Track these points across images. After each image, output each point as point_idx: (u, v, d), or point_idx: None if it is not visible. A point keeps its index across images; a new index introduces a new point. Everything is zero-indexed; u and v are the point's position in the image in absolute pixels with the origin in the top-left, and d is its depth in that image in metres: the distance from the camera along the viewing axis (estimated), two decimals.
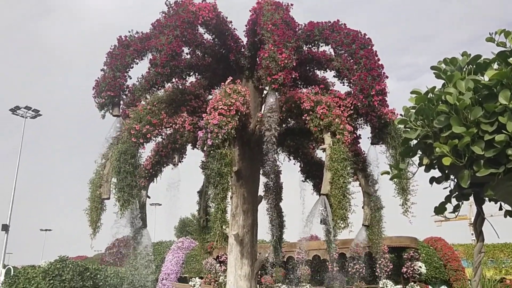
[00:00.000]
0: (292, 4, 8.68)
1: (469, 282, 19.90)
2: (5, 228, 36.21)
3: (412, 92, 2.63)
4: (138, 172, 8.48)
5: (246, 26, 9.43)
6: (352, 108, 8.48)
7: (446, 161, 2.28)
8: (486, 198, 2.51)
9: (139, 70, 9.09)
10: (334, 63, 9.14)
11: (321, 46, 9.36)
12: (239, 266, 9.03)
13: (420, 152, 2.65)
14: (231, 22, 9.44)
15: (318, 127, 7.99)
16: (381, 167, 8.97)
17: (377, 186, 9.22)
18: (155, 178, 10.19)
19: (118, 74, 8.40)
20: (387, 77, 8.07)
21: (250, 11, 9.12)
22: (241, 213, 9.23)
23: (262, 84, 8.33)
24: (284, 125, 9.76)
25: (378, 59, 8.12)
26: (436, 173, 2.67)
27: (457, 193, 2.60)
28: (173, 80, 9.38)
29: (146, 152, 9.23)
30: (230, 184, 7.59)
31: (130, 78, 8.81)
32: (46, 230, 74.71)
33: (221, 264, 25.04)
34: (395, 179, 7.94)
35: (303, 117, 8.24)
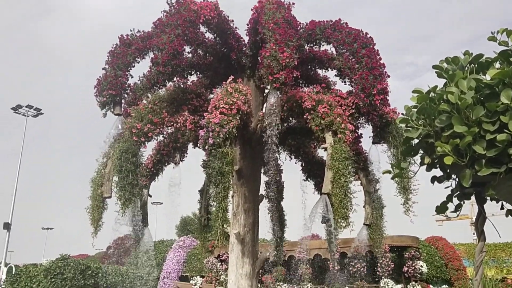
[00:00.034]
0: (293, 3, 8.67)
1: (470, 281, 19.89)
2: (7, 226, 36.28)
3: (413, 91, 2.62)
4: (140, 170, 8.49)
5: (247, 25, 9.43)
6: (353, 107, 8.47)
7: (448, 161, 2.28)
8: (488, 198, 2.51)
9: (141, 69, 9.11)
10: (335, 62, 9.13)
11: (323, 45, 9.36)
12: (240, 265, 9.03)
13: (422, 151, 2.64)
14: (232, 21, 9.44)
15: (320, 126, 7.98)
16: (383, 166, 8.97)
17: (378, 185, 9.22)
18: (156, 177, 10.20)
19: (119, 72, 8.41)
20: (388, 76, 8.07)
21: (251, 10, 9.12)
22: (242, 212, 9.24)
23: (263, 83, 8.33)
24: (285, 124, 9.75)
25: (380, 58, 8.11)
26: (437, 172, 2.66)
27: (458, 192, 2.59)
28: (175, 79, 9.38)
29: (148, 151, 9.25)
30: (231, 183, 7.59)
31: (132, 77, 8.82)
32: (47, 228, 74.91)
33: (222, 263, 25.08)
34: (397, 178, 7.98)
35: (305, 116, 8.24)
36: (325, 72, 10.10)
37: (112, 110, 8.50)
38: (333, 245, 9.88)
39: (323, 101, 8.09)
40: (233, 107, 7.47)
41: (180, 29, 8.08)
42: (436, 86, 2.57)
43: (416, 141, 2.63)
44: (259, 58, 8.75)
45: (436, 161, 2.55)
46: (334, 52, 9.26)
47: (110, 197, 8.24)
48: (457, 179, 2.55)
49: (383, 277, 20.55)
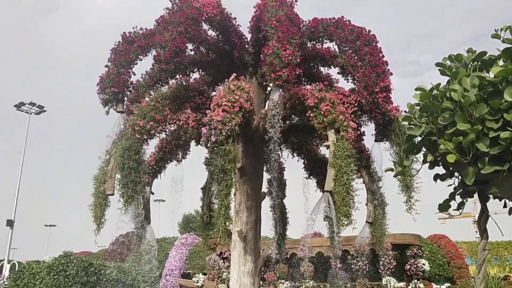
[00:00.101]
0: (296, 1, 8.65)
1: (472, 279, 19.87)
2: (10, 223, 36.41)
3: (416, 89, 2.62)
4: (142, 168, 8.49)
5: (250, 22, 9.41)
6: (356, 105, 8.46)
7: (451, 158, 2.28)
8: (491, 196, 2.50)
9: (143, 66, 9.11)
10: (338, 59, 9.11)
11: (326, 43, 9.34)
12: (243, 262, 9.05)
13: (424, 149, 2.64)
14: (235, 18, 9.43)
15: (322, 124, 7.97)
16: (385, 164, 8.96)
17: (380, 183, 9.20)
18: (159, 175, 10.20)
19: (122, 70, 8.41)
20: (391, 74, 8.04)
21: (254, 7, 9.10)
22: (245, 209, 9.24)
23: (266, 80, 8.31)
24: (287, 122, 9.74)
25: (383, 56, 8.09)
26: (440, 170, 2.66)
27: (461, 190, 2.59)
28: (177, 76, 9.38)
29: (150, 148, 9.25)
30: (233, 180, 7.59)
31: (134, 75, 8.82)
32: (50, 225, 75.19)
33: (225, 260, 25.14)
34: (399, 176, 7.97)
35: (307, 114, 8.22)
36: (327, 69, 10.09)
37: (114, 107, 8.51)
38: (335, 243, 9.88)
39: (325, 99, 8.08)
40: (236, 104, 7.47)
41: (182, 26, 8.07)
42: (439, 84, 2.56)
43: (419, 139, 2.62)
44: (261, 55, 8.73)
45: (439, 159, 2.54)
46: (337, 50, 9.24)
47: (112, 194, 8.25)
48: (460, 177, 2.54)
49: (385, 275, 20.56)
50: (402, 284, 20.48)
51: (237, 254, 9.10)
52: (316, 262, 23.21)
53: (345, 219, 7.20)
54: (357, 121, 8.51)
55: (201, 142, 7.78)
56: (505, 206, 2.55)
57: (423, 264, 20.97)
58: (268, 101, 8.69)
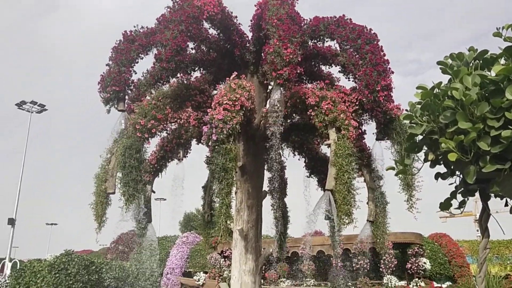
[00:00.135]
0: None
1: (473, 278, 19.86)
2: (11, 222, 36.50)
3: (418, 87, 2.61)
4: (143, 167, 8.50)
5: (251, 21, 9.40)
6: (357, 103, 8.45)
7: (452, 157, 2.27)
8: (492, 194, 2.50)
9: (144, 65, 9.11)
10: (339, 58, 9.10)
11: (327, 41, 9.33)
12: (244, 261, 9.05)
13: (426, 148, 2.64)
14: (236, 17, 9.42)
15: (323, 123, 7.97)
16: (386, 162, 8.95)
17: (382, 181, 9.20)
18: (160, 173, 10.22)
19: (123, 69, 8.41)
20: (392, 72, 8.04)
21: (255, 5, 9.09)
22: (246, 208, 9.24)
23: (267, 79, 8.31)
24: (288, 121, 9.74)
25: (384, 54, 8.08)
26: (441, 169, 2.65)
27: (462, 189, 2.59)
28: (178, 75, 9.38)
29: (151, 147, 9.26)
30: (234, 179, 7.59)
31: (135, 73, 8.82)
32: (51, 224, 75.34)
33: (226, 259, 25.17)
34: (400, 175, 7.96)
35: (308, 113, 8.22)
36: (328, 68, 10.07)
37: (115, 106, 8.51)
38: (336, 242, 9.88)
39: (326, 98, 8.08)
40: (237, 103, 7.46)
41: (183, 25, 8.06)
42: (440, 82, 2.56)
43: (420, 137, 2.62)
44: (262, 54, 8.73)
45: (440, 157, 2.54)
46: (338, 48, 9.24)
47: (113, 193, 8.26)
48: (461, 176, 2.54)
49: (386, 273, 20.56)
50: (403, 282, 20.47)
51: (238, 253, 9.11)
52: (317, 261, 23.22)
53: (346, 217, 7.20)
54: (358, 120, 8.50)
55: (202, 141, 7.80)
56: (506, 204, 2.55)
57: (424, 262, 20.95)
58: (269, 100, 8.69)
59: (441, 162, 2.58)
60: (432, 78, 2.67)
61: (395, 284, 20.05)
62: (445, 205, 2.65)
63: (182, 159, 10.33)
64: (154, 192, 10.16)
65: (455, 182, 2.61)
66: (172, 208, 10.34)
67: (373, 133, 8.98)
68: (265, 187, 10.21)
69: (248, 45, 9.79)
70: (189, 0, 8.39)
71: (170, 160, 10.24)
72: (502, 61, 2.42)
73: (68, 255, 22.20)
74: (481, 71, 2.42)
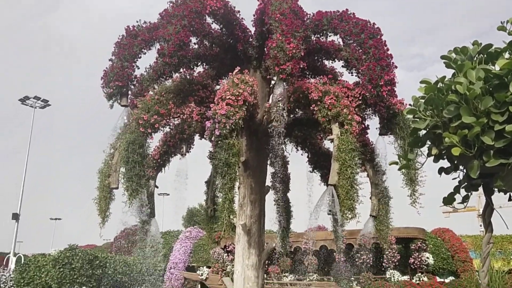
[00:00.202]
0: None
1: (476, 273, 19.86)
2: (16, 217, 36.69)
3: (421, 82, 2.61)
4: (146, 162, 8.52)
5: (254, 15, 9.37)
6: (360, 98, 8.43)
7: (456, 151, 2.27)
8: (496, 189, 2.50)
9: (147, 60, 9.10)
10: (342, 53, 9.06)
11: (330, 36, 9.29)
12: (247, 255, 9.08)
13: (429, 142, 2.63)
14: (239, 11, 9.39)
15: (326, 118, 7.95)
16: (389, 157, 8.93)
17: (385, 176, 9.19)
18: (163, 168, 10.24)
19: (126, 64, 8.41)
20: (396, 67, 8.00)
21: (258, 0, 9.06)
22: (249, 203, 9.26)
23: (270, 74, 8.29)
24: (291, 116, 9.72)
25: (387, 49, 8.04)
26: (445, 163, 2.65)
27: (466, 183, 2.58)
28: (181, 70, 9.37)
29: (154, 142, 9.27)
30: (237, 174, 7.60)
31: (138, 68, 8.81)
32: (55, 219, 75.69)
33: (229, 254, 25.24)
34: (403, 170, 7.95)
35: (311, 108, 8.21)
36: (332, 63, 10.04)
37: (119, 101, 8.52)
38: (339, 237, 9.89)
39: (329, 92, 8.06)
40: (240, 98, 7.46)
41: (186, 20, 8.05)
42: (444, 77, 2.55)
43: (424, 132, 2.62)
44: (265, 49, 8.71)
45: (443, 152, 2.54)
46: (341, 43, 9.19)
47: (117, 188, 8.29)
48: (464, 170, 2.54)
49: (389, 268, 20.59)
50: (406, 277, 20.49)
51: (241, 248, 9.14)
52: (320, 256, 23.26)
53: (349, 212, 7.21)
54: (361, 115, 8.47)
55: (205, 136, 7.79)
56: (510, 199, 2.54)
57: (427, 257, 20.97)
58: (272, 95, 8.68)
59: (445, 156, 2.58)
60: (435, 73, 2.66)
61: (398, 278, 20.08)
62: (448, 200, 2.65)
63: (185, 154, 10.34)
64: (157, 187, 10.18)
65: (458, 176, 2.61)
66: (176, 203, 10.37)
67: (376, 128, 8.96)
68: (268, 182, 10.22)
69: (251, 40, 9.76)
70: None
71: (173, 155, 10.25)
72: (507, 55, 2.41)
73: (72, 249, 22.34)
74: (485, 65, 2.41)
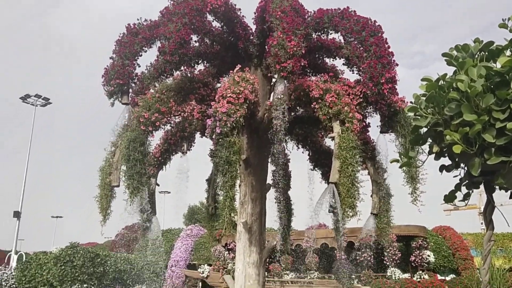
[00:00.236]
0: None
1: (477, 271, 19.88)
2: (17, 215, 36.75)
3: (422, 79, 2.60)
4: (147, 160, 8.53)
5: (255, 13, 9.36)
6: (361, 96, 8.42)
7: (457, 149, 2.27)
8: (497, 187, 2.49)
9: (148, 58, 9.10)
10: (343, 50, 9.05)
11: (331, 34, 9.27)
12: (248, 253, 9.09)
13: (430, 140, 2.63)
14: (239, 9, 9.38)
15: (327, 115, 7.95)
16: (390, 155, 8.93)
17: (386, 174, 9.19)
18: (164, 166, 10.24)
19: (127, 62, 8.40)
20: (397, 64, 7.99)
21: None
22: (250, 201, 9.27)
23: (271, 72, 8.29)
24: (292, 113, 9.72)
25: (388, 47, 8.03)
26: (446, 161, 2.65)
27: (467, 181, 2.58)
28: (182, 68, 9.37)
29: (155, 140, 9.27)
30: (238, 172, 7.60)
31: (139, 66, 8.81)
32: (57, 217, 75.76)
33: (230, 252, 25.26)
34: (404, 168, 7.94)
35: (312, 105, 8.20)
36: (333, 61, 10.03)
37: (119, 99, 8.52)
38: (340, 235, 9.89)
39: (330, 90, 8.05)
40: (240, 96, 7.46)
41: (187, 17, 8.04)
42: (445, 74, 2.54)
43: (425, 129, 2.61)
44: (266, 46, 8.71)
45: (444, 149, 2.53)
46: (342, 41, 9.18)
47: (118, 186, 8.30)
48: (465, 168, 2.53)
49: (390, 266, 20.60)
50: (407, 275, 20.50)
51: (242, 245, 9.15)
52: (321, 254, 23.27)
53: (350, 210, 7.21)
54: (362, 113, 8.47)
55: (206, 134, 7.79)
56: (511, 197, 2.54)
57: (428, 255, 20.96)
58: (273, 93, 8.67)
59: (446, 154, 2.58)
60: (437, 71, 2.66)
61: (398, 276, 20.09)
62: (449, 198, 2.64)
63: (186, 152, 10.35)
64: (158, 185, 10.19)
65: (459, 174, 2.61)
66: (176, 201, 10.37)
67: (377, 126, 8.96)
68: (269, 180, 10.22)
69: (251, 37, 9.75)
70: None
71: (174, 153, 10.25)
72: (508, 52, 2.41)
73: (74, 247, 22.40)
74: (486, 62, 2.41)
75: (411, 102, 2.69)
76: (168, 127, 9.55)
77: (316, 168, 10.80)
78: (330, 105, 7.89)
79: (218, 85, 9.75)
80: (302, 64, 7.68)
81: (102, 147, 8.88)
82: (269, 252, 9.74)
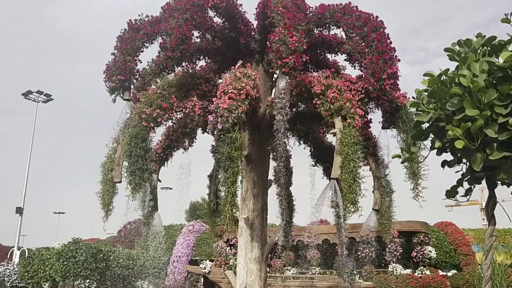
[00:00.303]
0: None
1: (479, 266, 19.88)
2: (19, 210, 36.88)
3: (425, 75, 2.59)
4: (149, 156, 8.53)
5: (256, 9, 9.34)
6: (363, 92, 8.40)
7: (459, 144, 2.26)
8: (499, 182, 2.49)
9: (149, 54, 9.10)
10: (345, 46, 9.03)
11: (332, 29, 9.25)
12: (249, 249, 9.11)
13: (432, 136, 2.62)
14: (241, 5, 9.36)
15: (329, 111, 7.94)
16: (392, 151, 8.92)
17: (387, 170, 9.18)
18: (165, 162, 10.25)
19: (128, 58, 8.40)
20: (399, 60, 7.97)
21: None
22: (251, 197, 9.28)
23: (272, 67, 8.28)
24: (294, 109, 9.71)
25: (390, 42, 8.00)
26: (448, 156, 2.64)
27: (469, 176, 2.58)
28: (183, 64, 9.36)
29: (157, 136, 9.28)
30: (240, 168, 7.61)
31: (141, 62, 8.81)
32: (59, 213, 75.97)
33: (231, 247, 25.33)
34: (406, 163, 7.93)
35: (314, 101, 8.19)
36: (334, 56, 10.01)
37: (121, 95, 8.53)
38: (341, 230, 9.90)
39: (332, 86, 8.04)
40: (242, 92, 7.45)
41: (188, 13, 8.02)
42: (447, 69, 2.54)
43: (427, 125, 2.61)
44: (268, 42, 8.68)
45: (446, 145, 2.53)
46: (344, 36, 9.15)
47: (120, 181, 8.31)
48: (468, 163, 2.53)
49: (391, 262, 20.62)
50: (408, 271, 20.53)
51: (244, 241, 9.17)
52: (322, 249, 23.30)
53: (351, 206, 7.21)
54: (364, 108, 8.46)
55: (207, 130, 7.80)
56: None
57: (430, 251, 20.97)
58: (274, 89, 8.66)
59: (448, 149, 2.57)
60: (439, 67, 2.65)
61: (400, 272, 20.12)
62: (451, 193, 2.64)
63: (188, 148, 10.35)
64: (160, 181, 10.20)
65: (461, 169, 2.61)
66: (178, 196, 10.38)
67: (379, 122, 8.94)
68: (271, 176, 10.22)
69: (253, 33, 9.73)
70: None
71: (175, 149, 10.26)
72: (510, 47, 2.40)
73: (76, 243, 22.46)
74: (489, 57, 2.40)
75: (413, 98, 2.68)
76: (169, 123, 9.55)
77: (317, 164, 10.80)
78: (332, 101, 7.88)
79: (220, 81, 9.74)
80: (304, 59, 7.67)
81: (104, 143, 8.90)
82: (270, 247, 9.75)
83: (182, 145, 10.22)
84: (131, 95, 8.69)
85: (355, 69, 9.12)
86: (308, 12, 8.74)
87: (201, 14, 8.34)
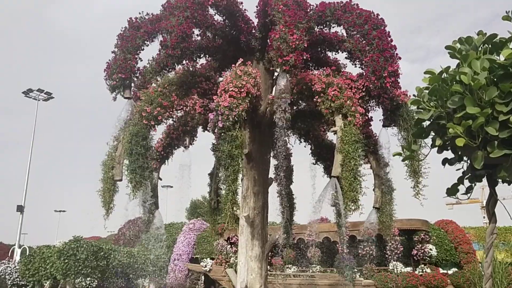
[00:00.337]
0: None
1: (480, 264, 19.89)
2: (20, 209, 36.93)
3: (425, 72, 2.59)
4: (150, 154, 8.53)
5: (257, 7, 9.33)
6: (364, 90, 8.39)
7: (460, 142, 2.26)
8: (500, 180, 2.49)
9: (150, 52, 9.09)
10: (346, 44, 9.02)
11: (333, 27, 9.24)
12: (250, 247, 9.12)
13: (433, 133, 2.62)
14: (241, 3, 9.34)
15: (329, 109, 7.94)
16: (393, 149, 8.92)
17: (388, 168, 9.18)
18: (166, 160, 10.26)
19: (129, 56, 8.39)
20: (399, 58, 7.96)
21: None
22: (252, 195, 9.28)
23: (273, 65, 8.27)
24: (295, 107, 9.71)
25: (391, 40, 7.99)
26: (449, 154, 2.64)
27: (470, 174, 2.57)
28: (184, 62, 9.35)
29: (157, 134, 9.29)
30: (240, 166, 7.60)
31: (141, 60, 8.80)
32: (60, 211, 76.03)
33: (232, 245, 25.34)
34: (407, 162, 7.93)
35: (314, 99, 8.19)
36: (335, 54, 9.99)
37: (122, 93, 8.52)
38: (342, 228, 9.91)
39: (333, 84, 8.03)
40: (243, 90, 7.44)
41: (189, 11, 8.01)
42: (448, 67, 2.53)
43: (428, 122, 2.61)
44: (268, 40, 8.67)
45: (447, 143, 2.53)
46: (345, 34, 9.15)
47: (121, 180, 8.32)
48: (468, 161, 2.53)
49: (392, 260, 20.63)
50: (409, 269, 20.53)
51: (245, 239, 9.17)
52: (323, 247, 23.31)
53: (352, 204, 7.21)
54: (364, 106, 8.45)
55: (208, 128, 7.80)
56: None
57: (430, 249, 20.97)
58: (275, 87, 8.65)
59: (449, 147, 2.57)
60: (439, 65, 2.64)
61: (400, 270, 20.13)
62: (452, 191, 2.64)
63: (189, 146, 10.37)
64: (160, 179, 10.21)
65: (462, 167, 2.60)
66: (179, 195, 10.40)
67: (380, 120, 8.94)
68: (271, 174, 10.23)
69: (253, 31, 9.72)
70: None
71: (176, 148, 10.27)
72: (511, 45, 2.39)
73: (77, 241, 22.50)
74: (490, 55, 2.39)
75: (414, 95, 2.68)
76: (170, 121, 9.56)
77: (318, 162, 10.81)
78: (333, 99, 7.87)
79: (220, 79, 9.74)
80: (304, 57, 7.66)
81: (105, 142, 8.90)
82: (271, 246, 9.76)
83: (183, 143, 10.23)
84: (132, 93, 8.69)
85: (355, 67, 9.12)
86: (308, 10, 8.74)
87: (201, 12, 8.33)
